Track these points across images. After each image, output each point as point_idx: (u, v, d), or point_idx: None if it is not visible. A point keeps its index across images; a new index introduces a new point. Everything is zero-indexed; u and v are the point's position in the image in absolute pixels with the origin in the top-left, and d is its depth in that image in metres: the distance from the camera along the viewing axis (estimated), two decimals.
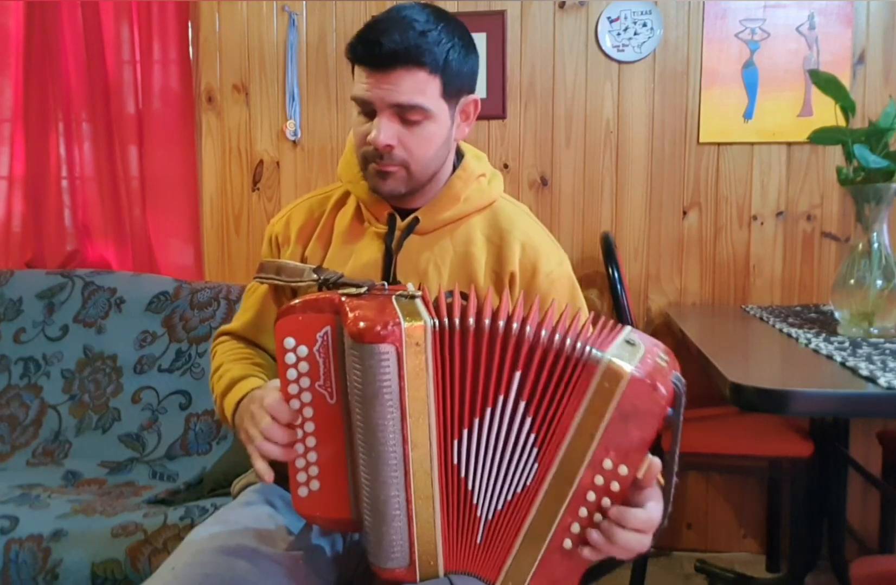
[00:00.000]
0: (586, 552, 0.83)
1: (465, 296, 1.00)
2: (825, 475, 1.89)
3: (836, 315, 1.53)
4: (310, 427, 0.89)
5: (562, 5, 2.20)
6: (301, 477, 0.91)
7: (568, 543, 0.84)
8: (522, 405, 0.83)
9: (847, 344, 1.40)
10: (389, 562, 0.87)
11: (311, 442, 0.89)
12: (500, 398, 0.83)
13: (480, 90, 2.22)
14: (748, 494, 2.24)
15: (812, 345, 1.40)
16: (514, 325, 0.82)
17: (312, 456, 0.90)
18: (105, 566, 1.46)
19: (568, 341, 0.82)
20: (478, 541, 0.87)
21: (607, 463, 0.81)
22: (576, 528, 0.83)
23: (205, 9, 2.33)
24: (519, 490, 0.85)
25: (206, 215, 2.40)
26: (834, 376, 1.21)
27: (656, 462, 0.82)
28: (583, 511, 0.83)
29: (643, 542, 0.82)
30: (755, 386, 1.12)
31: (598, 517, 0.82)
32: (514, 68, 2.23)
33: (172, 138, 2.33)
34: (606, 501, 0.82)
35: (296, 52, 2.30)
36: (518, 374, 0.82)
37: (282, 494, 1.09)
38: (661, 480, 0.87)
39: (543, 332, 0.82)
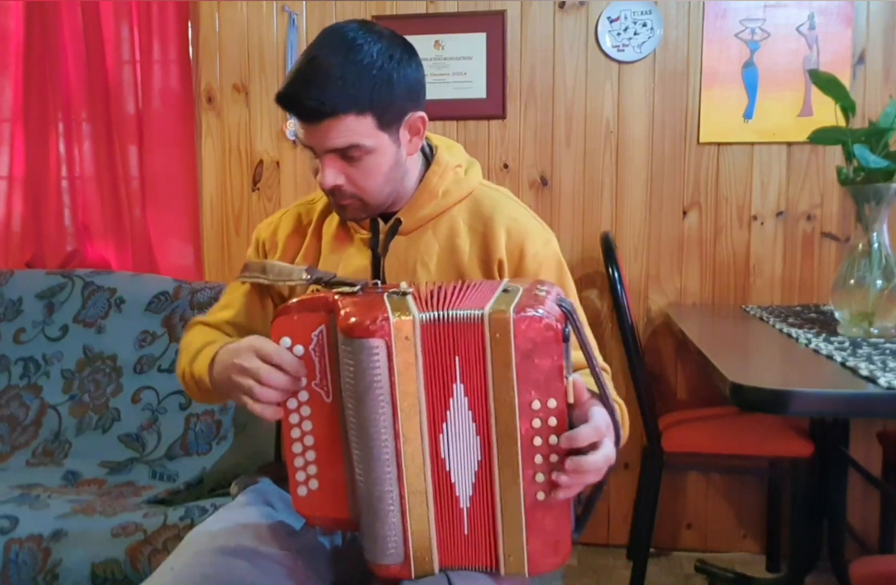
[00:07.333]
0: (561, 494, 0.83)
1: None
2: (825, 475, 1.89)
3: (836, 315, 1.53)
4: (307, 426, 0.90)
5: (562, 5, 2.20)
6: (300, 475, 0.91)
7: (541, 495, 0.84)
8: (462, 388, 0.84)
9: (847, 344, 1.40)
10: (384, 558, 0.87)
11: (308, 440, 0.90)
12: (454, 387, 0.84)
13: (480, 90, 2.22)
14: (748, 494, 2.24)
15: (812, 345, 1.40)
16: (437, 313, 0.84)
17: (311, 455, 0.90)
18: (105, 566, 1.46)
19: (452, 313, 0.83)
20: (465, 533, 0.87)
21: (535, 404, 0.82)
22: (540, 477, 0.83)
23: (205, 9, 2.33)
24: (476, 468, 0.85)
25: (206, 215, 2.40)
26: (834, 376, 1.21)
27: (577, 378, 0.83)
28: (538, 459, 0.83)
29: (606, 454, 0.82)
30: (755, 386, 1.12)
31: (553, 457, 0.83)
32: (514, 68, 2.23)
33: (172, 138, 2.33)
34: (553, 438, 0.82)
35: (296, 52, 2.29)
36: (457, 359, 0.84)
37: (281, 494, 1.09)
38: (595, 389, 0.87)
39: (450, 312, 0.84)
